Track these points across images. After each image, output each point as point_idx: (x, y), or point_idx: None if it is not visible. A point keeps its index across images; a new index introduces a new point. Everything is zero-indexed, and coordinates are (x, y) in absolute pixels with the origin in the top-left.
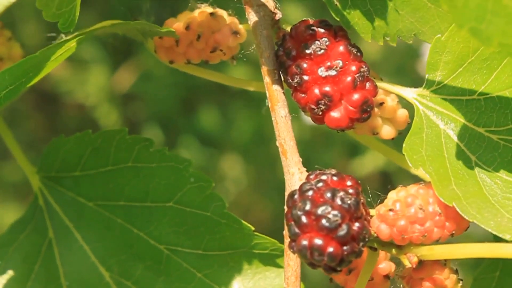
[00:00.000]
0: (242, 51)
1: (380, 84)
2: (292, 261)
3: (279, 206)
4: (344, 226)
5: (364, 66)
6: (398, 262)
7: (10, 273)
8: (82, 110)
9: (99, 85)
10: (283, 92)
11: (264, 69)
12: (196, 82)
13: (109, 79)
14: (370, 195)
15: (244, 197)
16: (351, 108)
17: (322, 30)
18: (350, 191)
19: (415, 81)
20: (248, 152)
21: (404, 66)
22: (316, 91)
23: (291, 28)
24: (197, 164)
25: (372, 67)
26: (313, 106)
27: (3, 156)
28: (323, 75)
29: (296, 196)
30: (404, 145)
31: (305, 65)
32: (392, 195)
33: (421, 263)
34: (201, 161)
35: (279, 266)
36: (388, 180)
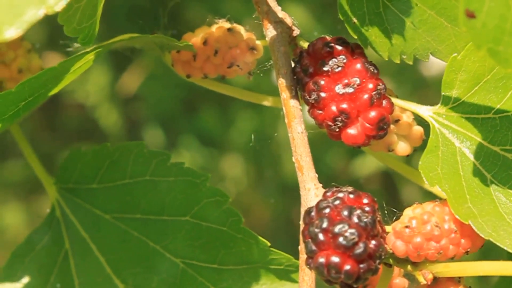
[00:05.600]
0: (260, 66)
1: (396, 101)
2: (307, 276)
3: (279, 206)
4: (361, 245)
5: (381, 84)
6: (411, 279)
7: (26, 283)
8: (82, 110)
9: (100, 85)
10: (300, 109)
11: (282, 85)
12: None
13: (110, 79)
14: (386, 212)
15: (244, 197)
16: (367, 125)
17: (339, 48)
18: (367, 209)
19: (417, 81)
20: (248, 152)
21: (406, 65)
22: (333, 108)
23: (308, 45)
24: (197, 164)
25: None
26: (330, 123)
27: (4, 155)
28: (341, 92)
29: (313, 213)
30: (420, 162)
31: (322, 82)
32: (408, 212)
33: (435, 280)
34: (201, 161)
35: (293, 281)
36: (389, 180)
